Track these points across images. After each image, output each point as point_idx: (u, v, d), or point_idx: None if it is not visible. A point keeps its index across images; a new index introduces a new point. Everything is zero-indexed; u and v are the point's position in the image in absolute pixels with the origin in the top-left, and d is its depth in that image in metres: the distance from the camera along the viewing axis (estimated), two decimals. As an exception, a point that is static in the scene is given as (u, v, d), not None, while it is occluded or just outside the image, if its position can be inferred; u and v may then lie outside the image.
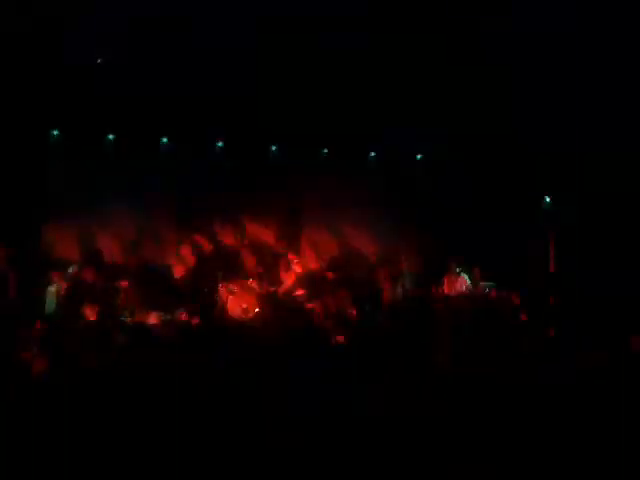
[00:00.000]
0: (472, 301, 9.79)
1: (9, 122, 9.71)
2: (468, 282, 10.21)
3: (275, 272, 10.49)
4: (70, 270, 9.23)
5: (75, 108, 10.25)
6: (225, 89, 9.68)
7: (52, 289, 9.01)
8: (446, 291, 10.07)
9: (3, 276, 8.72)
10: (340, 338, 7.76)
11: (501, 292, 9.97)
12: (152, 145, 11.16)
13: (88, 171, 10.93)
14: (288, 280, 10.28)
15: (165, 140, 11.23)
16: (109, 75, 9.49)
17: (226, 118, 10.63)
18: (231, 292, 9.83)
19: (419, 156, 12.23)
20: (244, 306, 9.67)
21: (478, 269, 10.32)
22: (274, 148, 11.72)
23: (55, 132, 10.62)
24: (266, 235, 11.54)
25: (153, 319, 9.12)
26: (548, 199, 11.12)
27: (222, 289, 9.90)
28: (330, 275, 10.43)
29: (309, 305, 9.68)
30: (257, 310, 9.75)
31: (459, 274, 10.22)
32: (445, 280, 10.22)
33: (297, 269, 10.56)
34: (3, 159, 9.82)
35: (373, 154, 12.10)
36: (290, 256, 10.65)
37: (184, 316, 9.32)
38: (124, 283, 9.46)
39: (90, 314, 8.17)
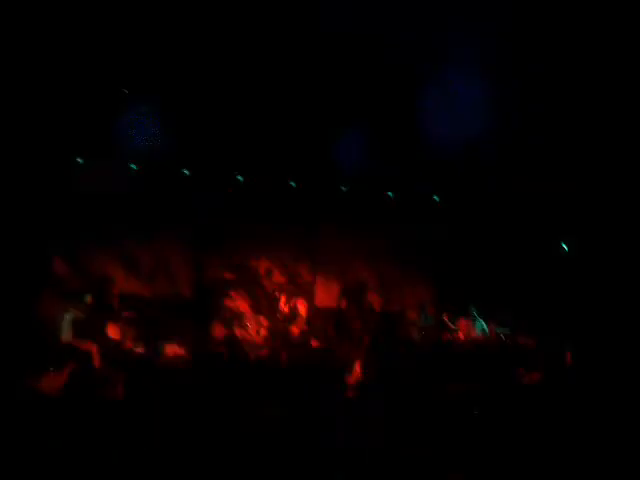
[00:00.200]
0: (487, 348, 9.70)
1: (26, 152, 9.79)
2: (485, 328, 10.09)
3: (288, 307, 10.41)
4: (85, 299, 9.21)
5: (95, 138, 10.38)
6: (240, 119, 9.72)
7: (68, 317, 8.97)
8: (462, 335, 9.95)
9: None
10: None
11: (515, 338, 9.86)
12: (170, 175, 11.22)
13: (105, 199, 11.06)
14: (301, 314, 10.17)
15: (185, 171, 11.26)
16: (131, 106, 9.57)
17: (245, 149, 10.68)
18: (244, 327, 9.79)
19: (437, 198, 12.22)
20: (257, 342, 9.62)
21: (494, 314, 10.23)
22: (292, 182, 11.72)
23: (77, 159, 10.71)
24: (280, 269, 11.54)
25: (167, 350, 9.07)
26: (565, 245, 11.08)
27: (235, 323, 9.86)
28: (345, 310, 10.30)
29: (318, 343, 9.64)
30: (269, 346, 9.70)
31: (476, 319, 10.11)
32: (461, 324, 10.09)
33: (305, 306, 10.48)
34: (20, 186, 9.88)
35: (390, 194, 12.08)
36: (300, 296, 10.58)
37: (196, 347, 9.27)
38: (133, 314, 9.45)
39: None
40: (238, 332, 9.74)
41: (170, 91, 9.20)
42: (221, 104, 9.44)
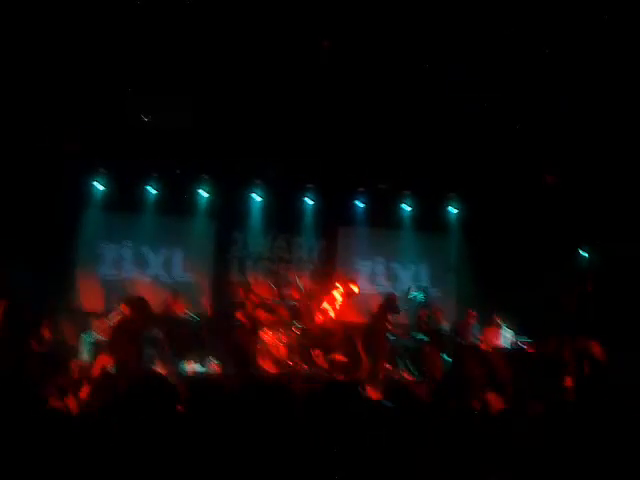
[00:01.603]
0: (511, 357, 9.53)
1: (51, 171, 9.95)
2: (510, 337, 9.92)
3: (308, 322, 10.32)
4: (111, 316, 9.29)
5: (114, 161, 10.54)
6: (263, 136, 9.76)
7: (88, 338, 9.04)
8: (485, 344, 9.77)
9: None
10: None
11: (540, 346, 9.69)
12: (189, 194, 11.33)
13: (130, 222, 11.20)
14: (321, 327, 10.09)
15: (204, 189, 11.37)
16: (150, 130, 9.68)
17: (262, 166, 10.72)
18: (263, 344, 9.73)
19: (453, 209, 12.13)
20: (278, 358, 9.55)
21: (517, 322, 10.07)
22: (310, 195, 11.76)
23: (98, 183, 10.88)
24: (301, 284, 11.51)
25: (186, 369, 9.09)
26: (585, 252, 10.90)
27: (255, 340, 9.81)
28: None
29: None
30: (290, 363, 9.63)
31: (502, 328, 9.93)
32: (487, 333, 9.92)
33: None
34: (42, 206, 10.05)
35: (408, 207, 12.02)
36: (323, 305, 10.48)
37: (216, 367, 9.27)
38: (159, 334, 9.47)
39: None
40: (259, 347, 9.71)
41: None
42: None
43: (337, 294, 10.08)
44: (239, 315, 10.02)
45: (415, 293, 10.32)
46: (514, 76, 8.39)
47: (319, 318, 9.99)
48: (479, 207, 11.60)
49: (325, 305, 10.08)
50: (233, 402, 4.30)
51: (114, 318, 8.68)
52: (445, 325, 10.27)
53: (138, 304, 7.99)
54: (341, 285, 10.15)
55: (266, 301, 10.69)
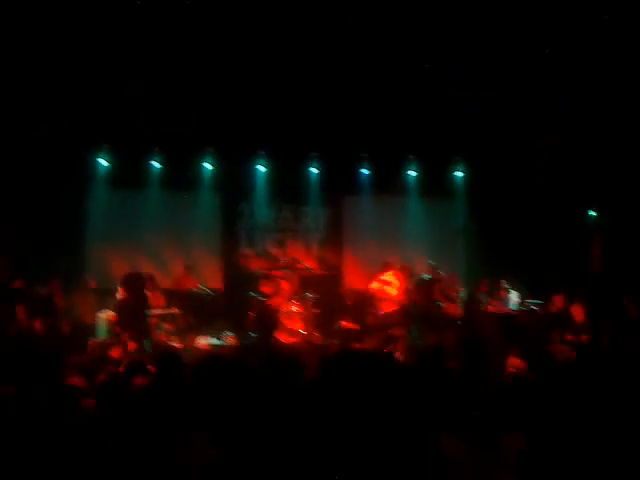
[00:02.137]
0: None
1: (57, 152, 9.93)
2: (517, 299, 9.98)
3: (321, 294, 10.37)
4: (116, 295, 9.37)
5: (120, 137, 10.50)
6: (266, 107, 9.70)
7: (102, 315, 9.12)
8: (494, 308, 9.85)
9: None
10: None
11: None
12: (194, 168, 11.31)
13: (134, 199, 11.21)
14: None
15: (208, 162, 11.34)
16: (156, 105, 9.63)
17: (268, 137, 10.67)
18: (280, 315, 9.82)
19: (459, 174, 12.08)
20: (292, 329, 9.64)
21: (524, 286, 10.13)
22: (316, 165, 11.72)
23: (102, 159, 10.86)
24: (310, 255, 11.58)
25: (201, 343, 9.19)
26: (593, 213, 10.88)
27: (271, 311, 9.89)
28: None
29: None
30: (303, 332, 9.74)
31: (509, 291, 9.99)
32: (495, 297, 9.99)
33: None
34: (50, 186, 10.05)
35: (413, 173, 11.98)
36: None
37: (232, 339, 9.37)
38: (174, 310, 9.56)
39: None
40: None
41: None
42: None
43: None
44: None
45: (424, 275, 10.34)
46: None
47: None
48: (485, 171, 11.55)
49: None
50: (250, 373, 4.38)
51: (118, 296, 8.78)
52: (461, 291, 10.30)
53: (133, 282, 8.07)
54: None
55: (276, 271, 10.77)
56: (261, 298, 9.85)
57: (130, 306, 7.70)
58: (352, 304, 10.35)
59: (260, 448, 3.52)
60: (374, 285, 9.98)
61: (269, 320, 9.52)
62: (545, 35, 8.24)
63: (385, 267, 10.17)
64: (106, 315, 8.99)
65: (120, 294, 8.23)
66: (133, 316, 7.65)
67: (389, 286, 9.88)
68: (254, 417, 3.76)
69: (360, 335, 9.40)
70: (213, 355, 4.94)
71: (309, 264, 11.09)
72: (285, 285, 10.16)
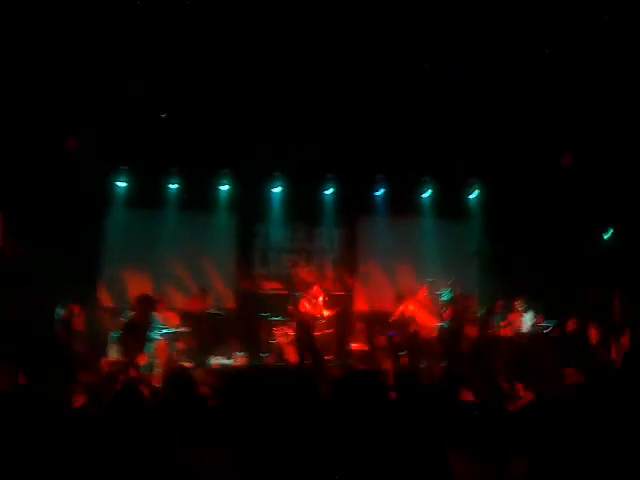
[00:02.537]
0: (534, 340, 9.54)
1: (76, 172, 10.10)
2: (533, 320, 9.87)
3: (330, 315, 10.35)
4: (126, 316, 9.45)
5: (138, 159, 10.66)
6: (282, 128, 9.79)
7: (116, 335, 9.19)
8: (510, 329, 9.74)
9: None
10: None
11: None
12: (212, 188, 11.44)
13: (151, 220, 11.36)
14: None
15: (224, 183, 11.46)
16: (169, 126, 9.75)
17: (284, 159, 10.77)
18: (287, 336, 9.83)
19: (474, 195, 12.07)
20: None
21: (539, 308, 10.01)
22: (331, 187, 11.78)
23: (120, 180, 11.03)
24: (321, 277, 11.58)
25: (213, 363, 9.23)
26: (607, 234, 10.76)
27: (279, 333, 9.91)
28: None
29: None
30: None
31: (525, 311, 9.89)
32: (511, 318, 9.88)
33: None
34: (68, 205, 10.24)
35: (428, 194, 12.00)
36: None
37: (243, 359, 9.40)
38: (184, 329, 9.62)
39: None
40: (282, 341, 9.80)
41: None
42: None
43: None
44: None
45: (444, 293, 10.26)
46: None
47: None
48: (500, 192, 11.50)
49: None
50: (260, 391, 4.39)
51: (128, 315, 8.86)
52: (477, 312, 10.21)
53: (142, 301, 8.18)
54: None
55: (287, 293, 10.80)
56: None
57: (137, 326, 7.79)
58: (364, 325, 10.32)
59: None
60: (409, 307, 9.86)
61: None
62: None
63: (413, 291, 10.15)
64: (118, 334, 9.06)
65: (130, 314, 8.36)
66: (139, 336, 7.73)
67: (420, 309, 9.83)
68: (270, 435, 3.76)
69: (370, 356, 9.37)
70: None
71: (324, 285, 11.11)
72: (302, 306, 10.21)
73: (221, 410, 4.25)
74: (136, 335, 7.98)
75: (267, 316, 10.07)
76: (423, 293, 9.99)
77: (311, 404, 4.48)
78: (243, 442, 3.73)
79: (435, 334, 9.49)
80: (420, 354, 9.09)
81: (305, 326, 9.17)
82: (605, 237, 9.66)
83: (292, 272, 11.38)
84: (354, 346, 9.64)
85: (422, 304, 9.74)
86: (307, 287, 9.76)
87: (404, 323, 9.58)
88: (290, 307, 9.83)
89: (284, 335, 9.82)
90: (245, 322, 10.53)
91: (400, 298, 9.91)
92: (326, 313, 9.82)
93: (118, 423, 4.13)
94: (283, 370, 7.71)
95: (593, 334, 9.33)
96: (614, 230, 9.77)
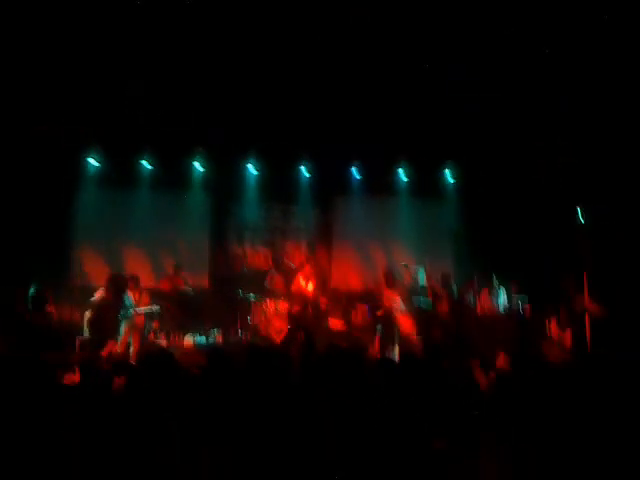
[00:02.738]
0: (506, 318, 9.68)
1: (43, 150, 9.89)
2: (505, 297, 10.01)
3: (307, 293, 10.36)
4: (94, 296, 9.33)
5: (110, 137, 10.47)
6: (256, 107, 9.70)
7: (88, 314, 9.08)
8: (482, 305, 9.87)
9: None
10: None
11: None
12: (186, 167, 11.30)
13: (124, 197, 11.18)
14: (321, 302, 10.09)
15: (198, 162, 11.34)
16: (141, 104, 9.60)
17: (256, 137, 10.67)
18: (264, 313, 9.84)
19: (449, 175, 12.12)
20: (277, 327, 9.65)
21: (514, 283, 10.14)
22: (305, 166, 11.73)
23: (92, 158, 10.84)
24: (297, 255, 11.60)
25: (188, 342, 9.19)
26: (580, 212, 10.89)
27: (255, 310, 9.91)
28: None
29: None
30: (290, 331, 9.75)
31: (499, 291, 10.02)
32: (484, 296, 10.00)
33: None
34: (36, 185, 10.02)
35: (403, 174, 12.01)
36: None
37: (219, 338, 9.37)
38: (156, 307, 9.53)
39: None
40: (259, 317, 9.80)
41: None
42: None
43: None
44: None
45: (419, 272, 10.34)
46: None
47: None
48: (475, 172, 11.56)
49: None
50: (238, 370, 4.38)
51: (97, 295, 8.75)
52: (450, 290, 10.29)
53: (113, 281, 8.11)
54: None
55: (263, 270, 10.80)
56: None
57: (108, 306, 7.73)
58: (341, 304, 10.35)
59: (257, 445, 3.51)
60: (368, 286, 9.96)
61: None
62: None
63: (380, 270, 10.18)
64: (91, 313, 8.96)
65: (99, 294, 8.27)
66: (111, 316, 7.68)
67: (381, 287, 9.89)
68: (251, 414, 3.75)
69: (347, 335, 9.41)
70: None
71: (299, 264, 11.14)
72: (277, 283, 10.21)
73: (204, 386, 4.23)
74: (107, 315, 7.92)
75: (243, 294, 10.03)
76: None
77: (292, 383, 4.49)
78: (226, 421, 3.73)
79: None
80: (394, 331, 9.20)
81: (301, 302, 9.32)
82: (579, 218, 9.78)
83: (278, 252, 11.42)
84: (331, 324, 9.65)
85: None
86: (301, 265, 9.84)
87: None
88: (276, 283, 9.91)
89: (261, 313, 9.81)
90: (221, 300, 10.49)
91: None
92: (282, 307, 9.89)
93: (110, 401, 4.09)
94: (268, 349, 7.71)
95: (565, 314, 9.48)
96: (583, 211, 9.91)
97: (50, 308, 8.77)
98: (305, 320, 9.35)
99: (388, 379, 4.45)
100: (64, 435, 3.61)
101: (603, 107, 9.20)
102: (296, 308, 9.63)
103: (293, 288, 9.77)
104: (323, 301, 9.91)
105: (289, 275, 10.63)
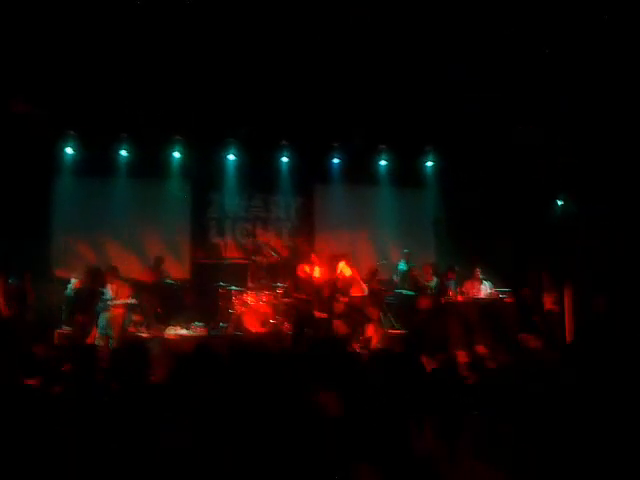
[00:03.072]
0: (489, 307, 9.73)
1: (23, 138, 9.69)
2: (489, 289, 10.05)
3: (290, 283, 10.31)
4: (70, 284, 9.20)
5: (86, 125, 10.28)
6: (236, 94, 9.58)
7: (65, 306, 9.00)
8: (465, 296, 9.89)
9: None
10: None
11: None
12: (164, 155, 11.15)
13: (102, 186, 11.00)
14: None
15: (177, 150, 11.17)
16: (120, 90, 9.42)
17: (238, 125, 10.55)
18: (246, 305, 9.78)
19: (429, 164, 12.10)
20: (262, 318, 9.61)
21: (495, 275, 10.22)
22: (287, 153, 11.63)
23: (68, 147, 10.63)
24: (279, 244, 11.56)
25: (169, 334, 9.12)
26: (560, 202, 10.98)
27: (237, 302, 9.84)
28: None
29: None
30: (273, 322, 9.72)
31: (482, 281, 10.05)
32: (467, 286, 10.04)
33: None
34: (15, 173, 9.83)
35: (384, 162, 11.98)
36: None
37: (201, 329, 9.32)
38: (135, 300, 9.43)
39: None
40: (240, 309, 9.75)
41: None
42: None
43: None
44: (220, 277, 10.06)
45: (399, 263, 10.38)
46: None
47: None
48: (455, 160, 11.58)
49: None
50: (220, 362, 4.33)
51: (73, 286, 8.64)
52: (433, 281, 10.32)
53: (90, 273, 8.03)
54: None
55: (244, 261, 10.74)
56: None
57: (86, 298, 7.68)
58: (322, 293, 10.32)
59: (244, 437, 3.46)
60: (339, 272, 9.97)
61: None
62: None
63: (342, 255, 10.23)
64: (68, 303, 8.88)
65: (76, 285, 8.19)
66: (88, 308, 7.64)
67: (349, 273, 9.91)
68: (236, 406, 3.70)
69: (329, 323, 9.39)
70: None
71: (280, 252, 11.12)
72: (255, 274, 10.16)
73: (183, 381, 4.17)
74: (85, 306, 7.85)
75: (224, 285, 9.95)
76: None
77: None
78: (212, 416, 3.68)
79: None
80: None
81: (309, 291, 9.37)
82: (559, 205, 9.86)
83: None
84: (316, 314, 9.63)
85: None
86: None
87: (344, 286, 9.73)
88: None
89: (243, 304, 9.75)
90: (202, 292, 10.41)
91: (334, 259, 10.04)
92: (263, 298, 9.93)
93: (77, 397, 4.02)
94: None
95: (547, 302, 9.59)
96: (568, 199, 10.00)
97: (30, 298, 8.71)
98: (303, 310, 9.31)
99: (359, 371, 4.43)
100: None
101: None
102: (299, 296, 9.51)
103: (299, 274, 9.70)
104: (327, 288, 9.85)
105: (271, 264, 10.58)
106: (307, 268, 9.72)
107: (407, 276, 10.28)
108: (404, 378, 4.43)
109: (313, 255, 10.09)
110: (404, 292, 9.95)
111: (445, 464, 3.45)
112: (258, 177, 11.60)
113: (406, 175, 11.83)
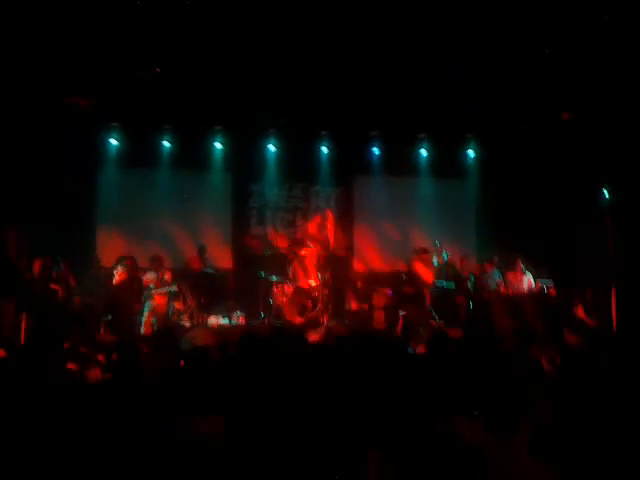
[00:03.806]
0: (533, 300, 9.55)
1: (68, 131, 9.91)
2: (532, 280, 9.89)
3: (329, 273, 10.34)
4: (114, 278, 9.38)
5: (130, 117, 10.46)
6: (276, 85, 9.61)
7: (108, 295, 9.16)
8: (509, 288, 9.77)
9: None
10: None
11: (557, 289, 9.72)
12: (206, 146, 11.28)
13: (145, 177, 11.21)
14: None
15: (218, 142, 11.29)
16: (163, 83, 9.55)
17: (279, 116, 10.59)
18: (286, 295, 9.85)
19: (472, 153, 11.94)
20: (301, 308, 9.68)
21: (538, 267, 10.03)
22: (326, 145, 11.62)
23: (112, 138, 10.86)
24: (320, 236, 11.57)
25: (211, 322, 9.26)
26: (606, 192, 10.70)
27: (277, 292, 9.92)
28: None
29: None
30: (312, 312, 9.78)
31: (524, 272, 9.90)
32: (509, 277, 9.91)
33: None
34: (61, 164, 10.07)
35: (425, 152, 11.87)
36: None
37: (242, 319, 9.43)
38: (176, 287, 9.58)
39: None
40: (280, 299, 9.83)
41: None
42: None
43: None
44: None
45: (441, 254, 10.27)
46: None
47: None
48: (497, 149, 11.41)
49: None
50: (260, 351, 4.39)
51: (117, 275, 8.82)
52: (472, 272, 10.21)
53: (134, 262, 8.17)
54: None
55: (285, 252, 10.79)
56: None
57: (128, 288, 7.83)
58: (362, 284, 10.33)
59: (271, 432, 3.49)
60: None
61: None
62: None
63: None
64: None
65: (120, 274, 8.34)
66: (133, 297, 7.78)
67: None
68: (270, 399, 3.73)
69: (368, 316, 9.40)
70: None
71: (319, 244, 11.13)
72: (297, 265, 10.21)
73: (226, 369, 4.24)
74: (129, 296, 8.00)
75: (265, 275, 10.03)
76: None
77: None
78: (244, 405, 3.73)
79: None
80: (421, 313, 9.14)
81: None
82: (606, 197, 9.58)
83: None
84: (353, 306, 9.65)
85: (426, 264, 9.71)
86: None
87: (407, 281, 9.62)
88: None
89: (283, 294, 9.83)
90: (243, 282, 10.52)
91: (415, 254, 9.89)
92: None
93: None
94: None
95: (590, 297, 9.37)
96: (614, 188, 9.71)
97: (73, 286, 8.93)
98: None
99: (404, 364, 4.41)
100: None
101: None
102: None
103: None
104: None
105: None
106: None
107: (445, 267, 10.17)
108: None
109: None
110: (444, 284, 9.86)
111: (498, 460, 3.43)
112: (298, 168, 11.63)
113: (447, 165, 11.71)
